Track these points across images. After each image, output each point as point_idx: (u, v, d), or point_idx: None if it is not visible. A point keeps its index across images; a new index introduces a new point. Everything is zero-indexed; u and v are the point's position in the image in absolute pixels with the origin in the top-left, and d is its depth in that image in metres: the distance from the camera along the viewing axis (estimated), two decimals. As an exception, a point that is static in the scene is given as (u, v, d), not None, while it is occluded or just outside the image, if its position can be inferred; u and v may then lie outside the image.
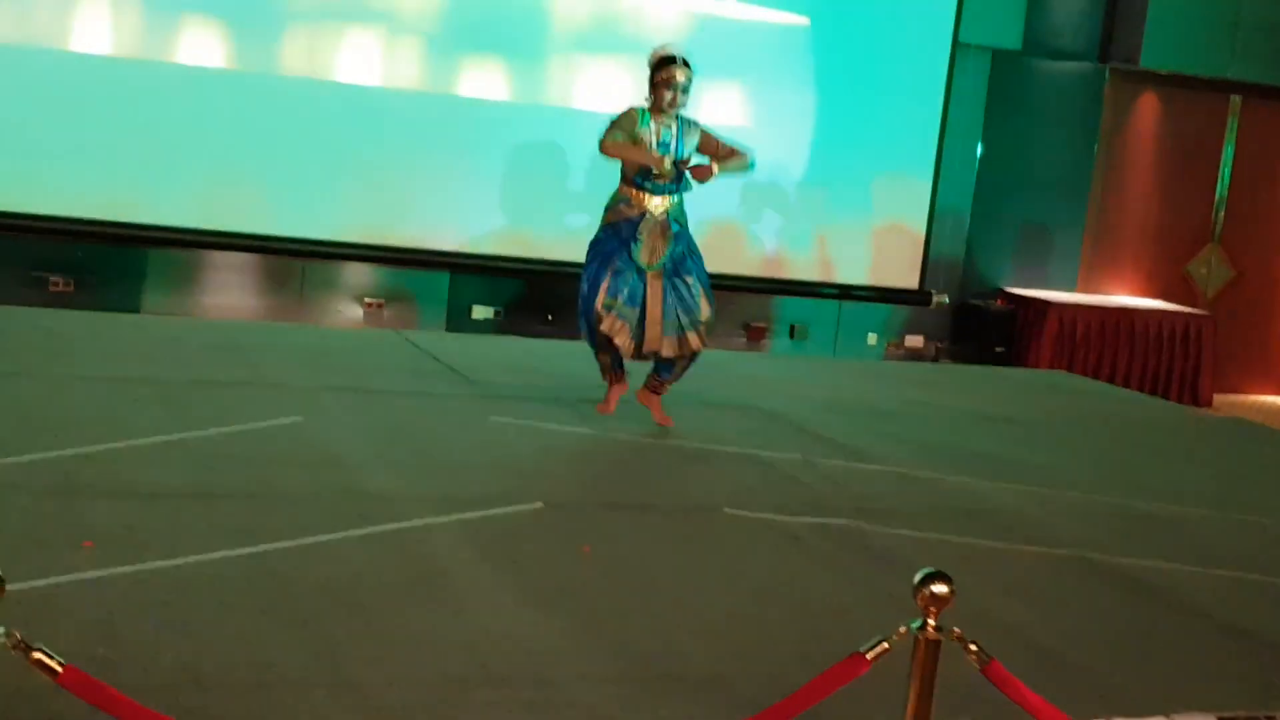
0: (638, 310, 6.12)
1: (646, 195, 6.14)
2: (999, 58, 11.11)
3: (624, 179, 6.21)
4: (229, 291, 9.42)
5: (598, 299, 6.09)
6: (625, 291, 6.10)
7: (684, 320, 6.17)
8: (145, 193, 8.93)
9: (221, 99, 8.98)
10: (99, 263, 9.09)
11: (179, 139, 8.94)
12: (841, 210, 10.55)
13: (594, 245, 6.24)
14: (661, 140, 6.11)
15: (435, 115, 9.44)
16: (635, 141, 6.10)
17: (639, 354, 6.22)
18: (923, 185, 10.70)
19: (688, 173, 6.16)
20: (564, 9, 9.62)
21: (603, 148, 6.11)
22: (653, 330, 6.15)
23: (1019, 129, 11.42)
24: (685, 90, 6.11)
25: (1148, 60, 11.33)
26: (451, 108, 9.48)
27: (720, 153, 6.25)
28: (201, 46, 8.92)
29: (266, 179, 9.18)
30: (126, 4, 8.77)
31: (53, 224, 8.77)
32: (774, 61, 10.13)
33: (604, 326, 6.09)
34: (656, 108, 6.13)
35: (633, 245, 6.11)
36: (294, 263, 9.46)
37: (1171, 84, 11.85)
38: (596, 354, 6.29)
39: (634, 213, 6.15)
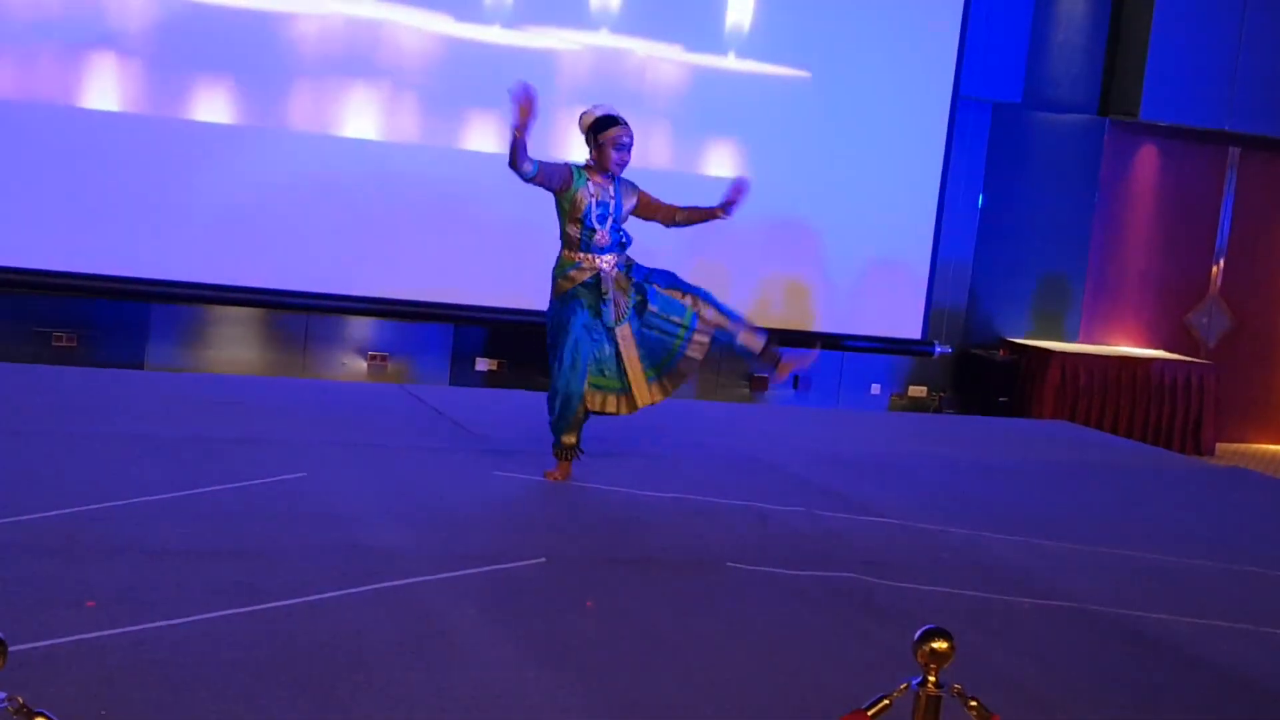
0: (618, 374, 6.13)
1: (594, 256, 6.10)
2: (999, 110, 11.19)
3: (567, 244, 6.12)
4: (233, 346, 9.46)
5: (584, 380, 6.05)
6: (607, 364, 6.10)
7: (670, 352, 6.16)
8: (148, 247, 8.97)
9: (224, 153, 9.04)
10: (102, 318, 9.13)
11: (182, 193, 8.99)
12: (844, 261, 10.59)
13: (556, 321, 6.16)
14: (600, 202, 6.05)
15: (437, 169, 9.50)
16: (573, 203, 6.03)
17: (633, 409, 6.22)
18: (924, 236, 10.74)
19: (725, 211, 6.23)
20: (566, 64, 9.70)
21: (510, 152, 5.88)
22: (639, 387, 6.15)
23: (1020, 180, 11.49)
24: (630, 149, 6.07)
25: (1147, 113, 11.41)
26: (454, 161, 9.53)
27: (665, 208, 6.24)
28: (204, 101, 8.99)
29: (270, 233, 9.23)
30: (129, 59, 8.85)
31: (56, 280, 8.81)
32: (775, 114, 10.20)
33: (596, 406, 6.09)
34: (601, 169, 6.08)
35: (603, 309, 6.08)
36: (298, 317, 9.50)
37: (1171, 136, 11.92)
38: (561, 434, 6.19)
39: (586, 274, 6.10)
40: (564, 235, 6.14)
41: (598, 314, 6.10)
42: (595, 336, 6.10)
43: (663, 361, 6.18)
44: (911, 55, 10.52)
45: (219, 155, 9.05)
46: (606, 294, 6.09)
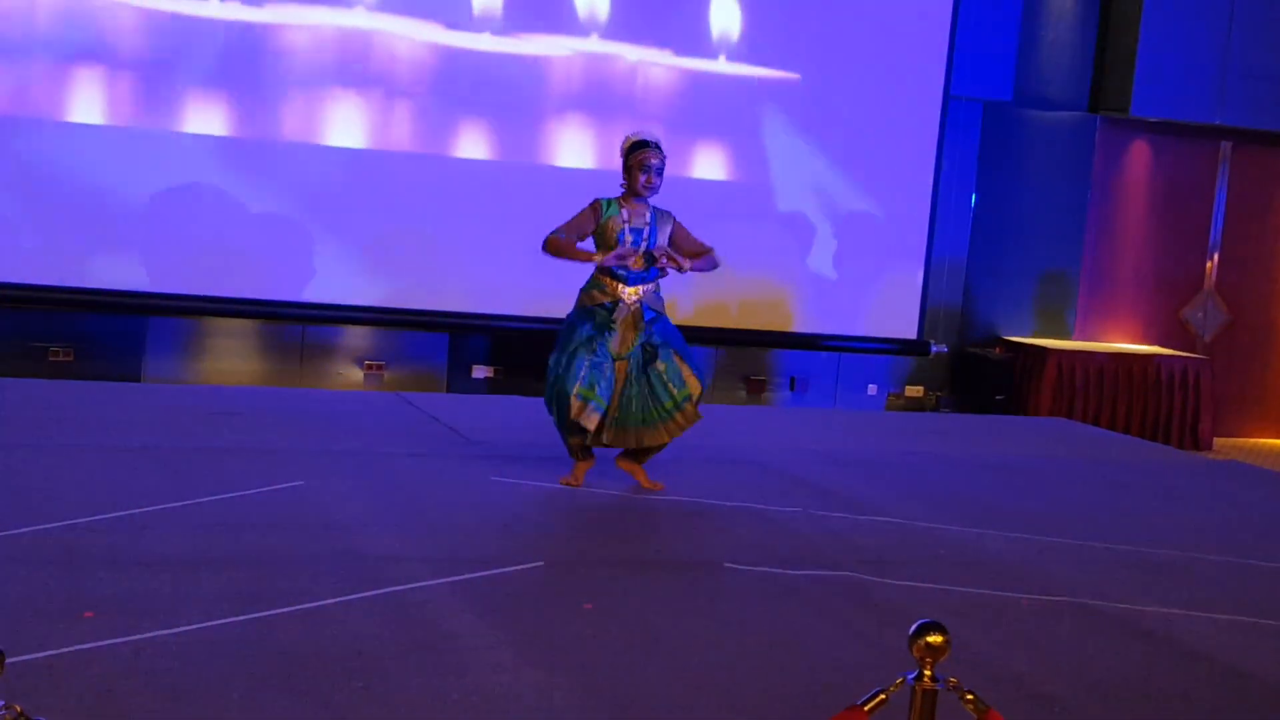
0: (608, 401, 6.12)
1: (620, 284, 6.13)
2: (990, 109, 11.21)
3: (598, 267, 6.18)
4: (229, 357, 9.47)
5: (574, 386, 6.04)
6: (603, 382, 6.08)
7: (649, 414, 6.14)
8: (143, 261, 8.99)
9: (218, 165, 9.06)
10: (98, 332, 9.14)
11: (176, 206, 9.01)
12: (838, 262, 10.60)
13: (568, 328, 6.20)
14: (633, 228, 6.10)
15: (431, 177, 9.51)
16: (605, 231, 6.10)
17: (599, 442, 6.21)
18: (918, 236, 10.77)
19: (659, 260, 6.13)
20: (558, 69, 9.72)
21: (544, 244, 6.10)
22: (612, 419, 6.15)
23: (1012, 179, 11.50)
24: (659, 173, 6.10)
25: (1138, 108, 11.42)
26: (447, 169, 9.55)
27: (690, 249, 6.25)
28: (197, 114, 9.01)
29: (264, 244, 9.24)
30: (122, 73, 8.86)
31: (51, 294, 8.83)
32: (767, 118, 10.22)
33: (576, 414, 6.05)
34: (631, 192, 6.13)
35: (607, 334, 6.10)
36: (293, 327, 9.51)
37: (1162, 131, 11.94)
38: (566, 436, 6.23)
39: (606, 299, 6.14)
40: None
41: (604, 337, 6.13)
42: (601, 358, 6.10)
43: (639, 418, 6.18)
44: (901, 55, 10.54)
45: (213, 167, 9.06)
46: (614, 325, 6.12)
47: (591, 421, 6.07)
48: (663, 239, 6.18)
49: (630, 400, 6.15)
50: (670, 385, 6.16)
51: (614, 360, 6.13)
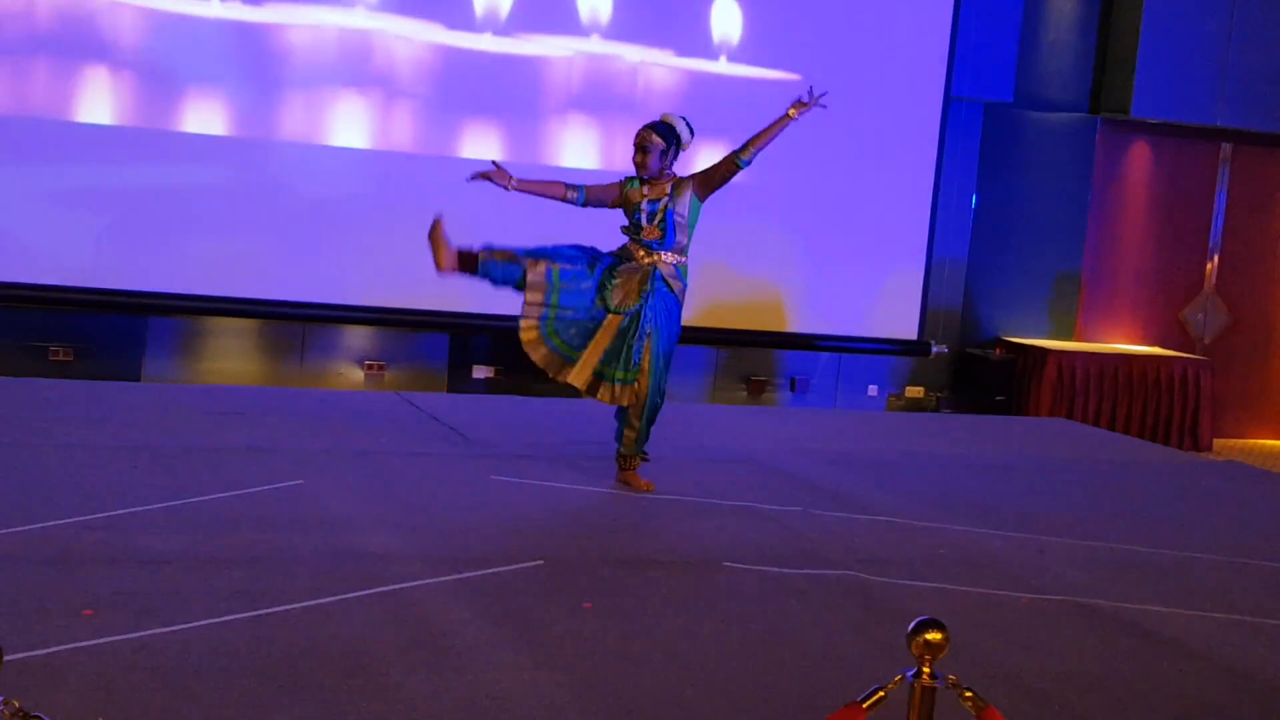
0: (579, 340, 6.23)
1: (640, 249, 6.29)
2: (991, 110, 11.21)
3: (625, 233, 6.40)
4: (229, 357, 9.46)
5: (551, 263, 6.23)
6: (577, 325, 6.24)
7: (610, 370, 6.24)
8: (144, 260, 8.99)
9: (218, 165, 9.06)
10: (99, 332, 9.14)
11: (177, 206, 9.01)
12: (839, 263, 10.60)
13: (597, 249, 6.39)
14: (651, 200, 6.28)
15: (431, 177, 9.50)
16: (627, 202, 6.33)
17: (563, 377, 6.30)
18: (919, 237, 10.76)
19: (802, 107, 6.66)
20: (558, 71, 9.72)
21: None
22: (583, 367, 6.25)
23: (1013, 180, 11.50)
24: (643, 150, 6.29)
25: (1138, 110, 11.42)
26: (449, 169, 9.54)
27: (727, 160, 6.36)
28: (198, 113, 9.01)
29: (265, 244, 9.24)
30: (123, 72, 8.86)
31: (52, 294, 8.83)
32: (766, 118, 10.18)
33: (531, 273, 6.24)
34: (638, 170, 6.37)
35: (610, 282, 6.25)
36: (294, 327, 9.51)
37: (1163, 132, 11.94)
38: (495, 252, 6.50)
39: (627, 258, 6.31)
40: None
41: (605, 283, 6.26)
42: (586, 277, 6.25)
43: (607, 373, 6.25)
44: (902, 56, 10.53)
45: (214, 167, 9.06)
46: (618, 276, 6.24)
47: (541, 353, 6.23)
48: (681, 205, 6.30)
49: (610, 354, 6.23)
50: (629, 358, 6.23)
51: (607, 306, 6.25)
